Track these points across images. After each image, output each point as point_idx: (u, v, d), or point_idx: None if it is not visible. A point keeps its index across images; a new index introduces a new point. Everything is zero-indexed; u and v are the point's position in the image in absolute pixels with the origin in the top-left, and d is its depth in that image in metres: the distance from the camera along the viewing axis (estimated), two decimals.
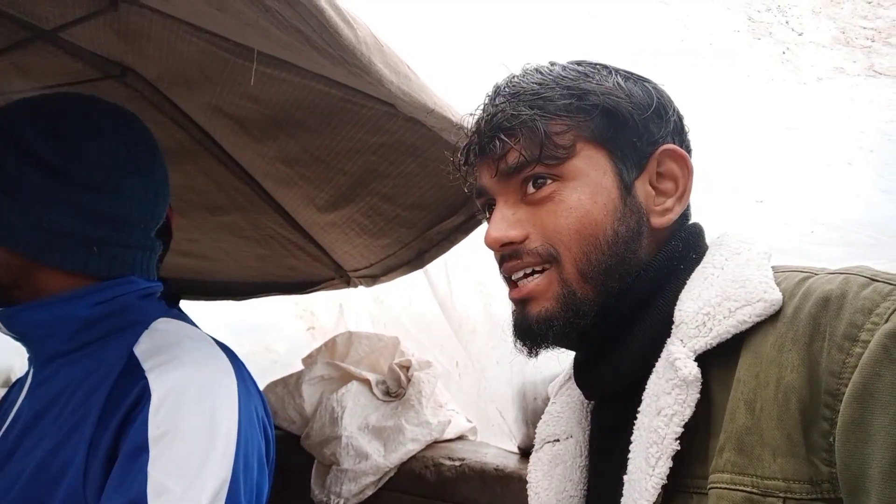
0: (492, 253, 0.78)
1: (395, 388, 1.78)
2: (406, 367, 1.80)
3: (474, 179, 0.78)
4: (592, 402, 0.78)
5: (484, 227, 1.65)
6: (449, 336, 1.80)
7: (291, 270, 2.40)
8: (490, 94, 0.75)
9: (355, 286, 2.37)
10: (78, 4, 1.37)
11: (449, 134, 1.03)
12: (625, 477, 0.63)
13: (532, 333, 0.69)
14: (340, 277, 2.35)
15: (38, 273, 0.81)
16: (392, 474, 1.59)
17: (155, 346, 0.79)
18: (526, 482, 1.37)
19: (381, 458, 1.57)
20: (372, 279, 2.18)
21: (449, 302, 1.66)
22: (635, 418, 0.64)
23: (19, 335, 0.81)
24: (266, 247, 2.25)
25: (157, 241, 0.91)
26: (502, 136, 0.69)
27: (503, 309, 1.58)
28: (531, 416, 1.49)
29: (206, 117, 1.75)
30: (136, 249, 0.87)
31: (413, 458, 1.60)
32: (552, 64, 0.73)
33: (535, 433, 1.52)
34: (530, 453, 1.52)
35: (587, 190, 0.68)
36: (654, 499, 0.58)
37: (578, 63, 0.72)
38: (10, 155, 0.78)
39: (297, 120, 1.59)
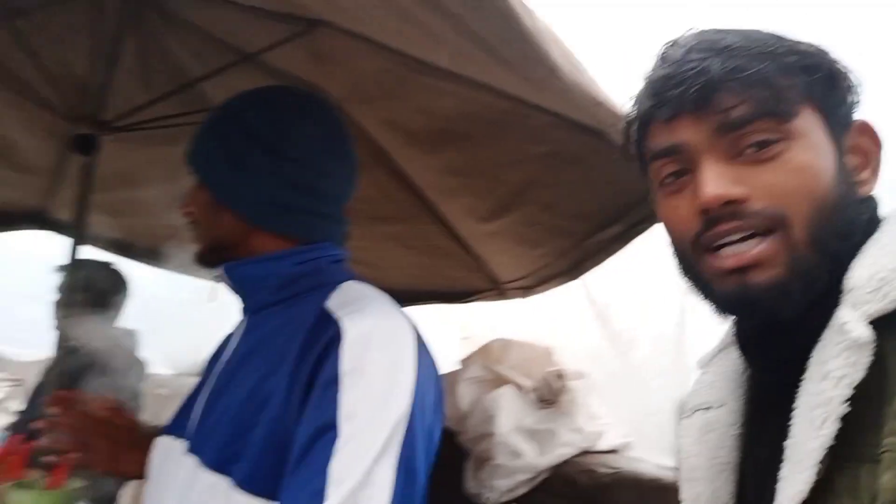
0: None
1: (548, 396, 1.80)
2: (560, 376, 1.82)
3: (653, 138, 0.71)
4: (750, 370, 0.76)
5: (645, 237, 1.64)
6: (603, 348, 1.79)
7: (451, 280, 2.51)
8: (674, 48, 0.69)
9: (509, 298, 2.43)
10: (278, 28, 1.58)
11: (612, 129, 1.05)
12: (785, 443, 0.61)
13: (759, 304, 0.64)
14: (496, 289, 2.42)
15: (254, 236, 0.96)
16: (546, 476, 1.61)
17: (344, 300, 0.89)
18: None
19: (535, 457, 1.60)
20: (525, 290, 2.23)
21: (606, 313, 1.66)
22: (798, 385, 0.62)
23: (236, 286, 0.96)
24: (428, 256, 2.38)
25: (346, 217, 1.03)
26: (732, 87, 0.64)
27: (665, 321, 1.55)
28: None
29: (382, 132, 1.91)
30: (331, 220, 1.00)
31: (567, 462, 1.61)
32: (727, 30, 0.69)
33: None
34: None
35: (813, 151, 0.64)
36: (818, 459, 0.56)
37: (757, 30, 0.69)
38: (239, 136, 0.95)
39: (464, 132, 1.69)
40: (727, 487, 0.72)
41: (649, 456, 1.64)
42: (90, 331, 1.97)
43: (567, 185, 1.65)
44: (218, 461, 0.84)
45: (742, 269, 0.64)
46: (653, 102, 0.69)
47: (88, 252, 2.50)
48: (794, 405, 0.61)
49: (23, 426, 1.85)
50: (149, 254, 2.64)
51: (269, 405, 0.82)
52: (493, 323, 2.61)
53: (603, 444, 1.71)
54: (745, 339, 0.73)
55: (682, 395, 1.52)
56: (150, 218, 2.43)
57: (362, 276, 1.00)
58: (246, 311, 1.00)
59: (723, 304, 0.68)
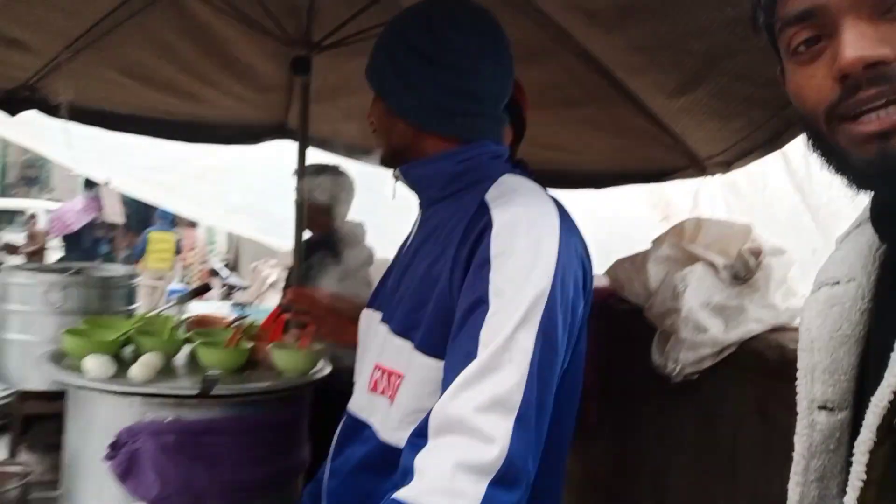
0: None
1: (744, 273, 1.77)
2: (757, 253, 1.76)
3: (785, 2, 0.65)
4: (885, 246, 0.72)
5: None
6: (807, 223, 1.70)
7: (647, 160, 2.47)
8: None
9: (711, 174, 2.33)
10: None
11: None
12: None
13: None
14: (695, 166, 2.33)
15: (422, 139, 1.09)
16: (732, 350, 1.62)
17: (500, 192, 1.00)
18: None
19: (721, 332, 1.61)
20: (725, 165, 2.12)
21: (807, 186, 1.57)
22: None
23: (411, 185, 1.13)
24: (622, 137, 2.36)
25: (505, 113, 1.11)
26: None
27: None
28: None
29: (562, 15, 1.91)
30: (489, 119, 1.09)
31: (755, 337, 1.60)
32: None
33: None
34: None
35: None
36: None
37: None
38: (403, 51, 1.07)
39: (643, 5, 1.63)
40: (848, 359, 0.71)
41: None
42: (327, 226, 2.35)
43: (759, 50, 1.50)
44: (403, 328, 1.02)
45: (885, 134, 0.60)
46: None
47: (319, 156, 2.92)
48: None
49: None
50: (368, 153, 2.98)
51: (439, 283, 0.97)
52: (693, 202, 2.54)
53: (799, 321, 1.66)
54: (881, 210, 0.70)
55: None
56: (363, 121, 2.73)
57: (520, 170, 1.10)
58: (421, 205, 1.15)
59: (862, 174, 0.63)
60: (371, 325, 1.14)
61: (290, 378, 1.51)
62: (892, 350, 0.63)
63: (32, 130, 3.06)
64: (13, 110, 2.28)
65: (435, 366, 0.94)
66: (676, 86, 1.84)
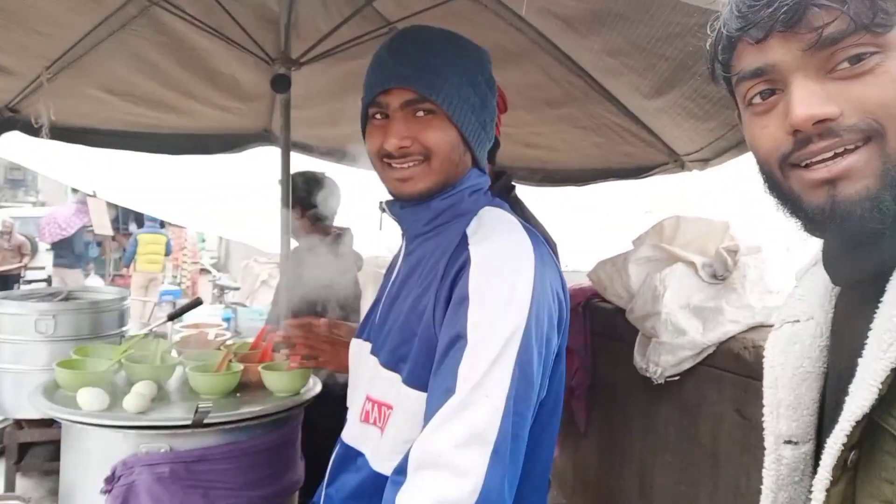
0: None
1: (722, 272, 1.80)
2: (734, 252, 1.80)
3: (740, 59, 0.70)
4: (838, 287, 0.75)
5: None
6: (783, 220, 1.72)
7: (627, 157, 2.49)
8: None
9: (689, 170, 2.36)
10: None
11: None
12: (859, 360, 0.64)
13: (848, 216, 0.63)
14: (675, 162, 2.36)
15: (467, 172, 1.08)
16: (710, 351, 1.66)
17: (479, 227, 1.03)
18: None
19: (699, 335, 1.65)
20: (703, 162, 2.15)
21: None
22: (877, 307, 0.63)
23: (396, 219, 1.13)
24: (602, 135, 2.38)
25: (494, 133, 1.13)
26: (825, 3, 0.62)
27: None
28: None
29: (540, 20, 1.92)
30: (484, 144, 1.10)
31: (733, 338, 1.64)
32: None
33: None
34: None
35: None
36: (881, 379, 0.58)
37: None
38: (484, 84, 1.06)
39: (616, 12, 1.65)
40: (810, 394, 0.75)
41: None
42: (315, 232, 2.36)
43: None
44: (391, 361, 1.03)
45: (832, 181, 0.63)
46: (741, 24, 0.67)
47: (304, 161, 2.93)
48: (871, 325, 0.62)
49: (273, 317, 2.33)
50: (352, 157, 3.00)
51: (424, 318, 0.99)
52: (677, 197, 2.57)
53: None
54: (831, 254, 0.73)
55: None
56: (349, 125, 2.74)
57: (499, 201, 1.11)
58: (404, 237, 1.15)
59: (812, 218, 0.67)
60: (361, 355, 1.16)
61: (281, 400, 1.53)
62: (844, 390, 0.67)
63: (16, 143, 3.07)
64: None
65: (422, 398, 0.95)
66: (652, 87, 1.86)
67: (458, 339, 0.90)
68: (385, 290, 1.17)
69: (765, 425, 0.81)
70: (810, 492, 0.78)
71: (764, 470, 0.84)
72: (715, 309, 1.68)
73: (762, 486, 0.84)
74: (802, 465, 0.80)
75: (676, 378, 1.72)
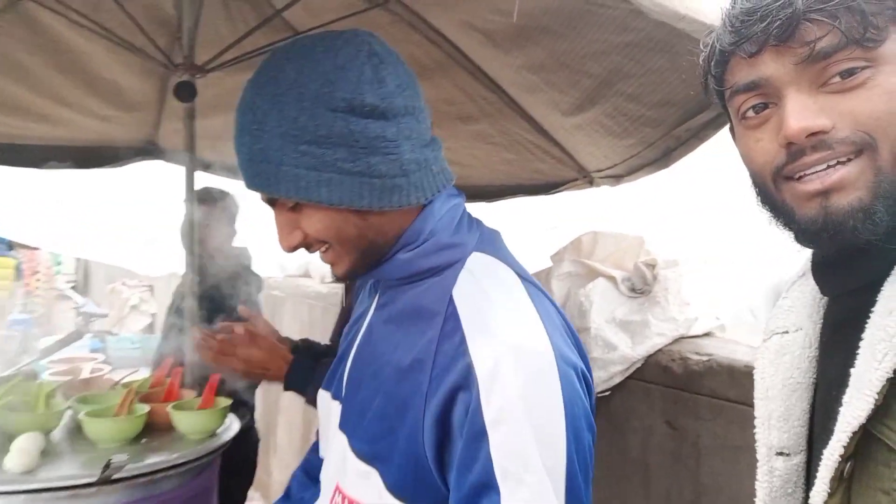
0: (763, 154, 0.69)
1: (641, 286, 1.84)
2: (652, 266, 1.84)
3: (733, 73, 0.71)
4: (826, 298, 0.77)
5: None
6: (698, 234, 1.79)
7: (537, 173, 2.51)
8: None
9: (598, 186, 2.42)
10: None
11: (701, 35, 1.01)
12: (852, 370, 0.63)
13: (841, 226, 0.64)
14: (584, 178, 2.41)
15: (375, 222, 0.88)
16: (639, 365, 1.69)
17: (467, 298, 0.81)
18: None
19: (629, 349, 1.67)
20: (616, 179, 2.21)
21: (696, 202, 1.65)
22: (868, 317, 0.63)
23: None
24: (513, 151, 2.39)
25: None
26: (818, 18, 0.63)
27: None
28: None
29: (458, 33, 1.88)
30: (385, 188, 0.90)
31: (660, 351, 1.67)
32: None
33: None
34: None
35: None
36: (877, 389, 0.59)
37: None
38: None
39: (542, 27, 1.64)
40: (800, 405, 0.76)
41: (745, 339, 1.68)
42: (214, 253, 2.17)
43: (653, 73, 1.59)
44: (368, 453, 0.82)
45: (825, 192, 0.65)
46: (734, 38, 0.68)
47: (204, 179, 2.70)
48: (863, 335, 0.63)
49: (167, 347, 2.11)
50: None
51: (408, 416, 0.79)
52: (583, 212, 2.63)
53: (697, 329, 1.76)
54: (821, 265, 0.74)
55: (773, 282, 1.52)
56: None
57: (490, 233, 0.95)
58: (378, 286, 0.96)
59: (805, 229, 0.68)
60: (330, 417, 0.96)
61: (196, 444, 1.36)
62: (836, 400, 0.66)
63: None
64: None
65: None
66: (572, 104, 1.88)
67: (486, 491, 0.72)
68: (353, 344, 0.97)
69: (756, 437, 0.80)
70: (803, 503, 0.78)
71: (756, 482, 0.83)
72: (641, 322, 1.71)
73: (755, 499, 0.83)
74: (795, 476, 0.80)
75: (607, 393, 1.73)
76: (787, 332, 0.80)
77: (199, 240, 1.88)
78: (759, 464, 0.82)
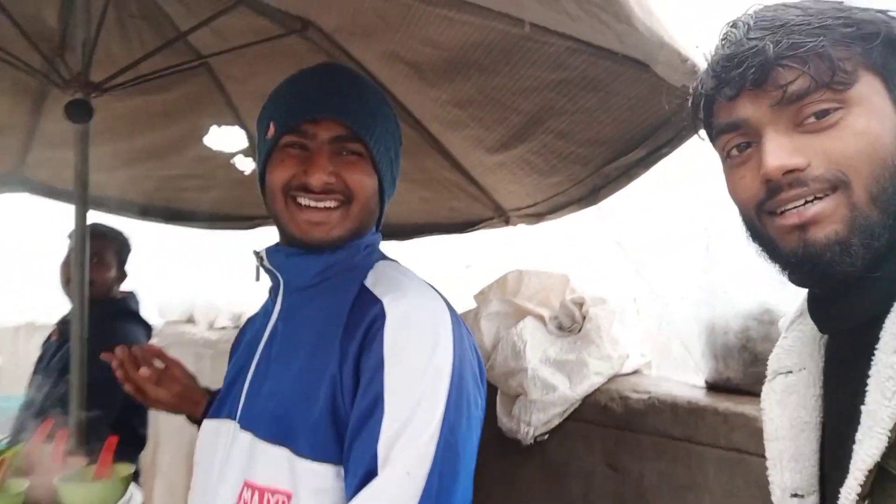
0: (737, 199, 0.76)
1: (569, 324, 1.82)
2: (580, 304, 1.83)
3: (717, 115, 0.76)
4: (826, 335, 0.78)
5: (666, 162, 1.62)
6: (622, 272, 1.80)
7: (453, 211, 2.47)
8: (734, 29, 0.74)
9: (514, 225, 2.41)
10: None
11: (671, 71, 1.01)
12: (862, 407, 0.64)
13: (819, 259, 0.68)
14: (500, 217, 2.39)
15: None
16: (577, 405, 1.65)
17: (380, 280, 0.93)
18: (721, 415, 1.38)
19: (568, 389, 1.63)
20: (537, 217, 2.20)
21: (623, 240, 1.66)
22: (873, 353, 0.64)
23: (276, 268, 0.95)
24: (430, 189, 2.33)
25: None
26: (788, 64, 0.68)
27: (691, 245, 1.56)
28: (720, 350, 1.48)
29: (381, 65, 1.81)
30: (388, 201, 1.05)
31: (598, 390, 1.64)
32: (787, 4, 0.73)
33: (723, 368, 1.51)
34: (718, 387, 1.53)
35: (873, 115, 0.68)
36: (889, 427, 0.60)
37: (819, 1, 0.72)
38: (398, 136, 1.09)
39: (473, 61, 1.61)
40: (810, 445, 0.76)
41: (676, 375, 1.69)
42: (100, 298, 1.91)
43: (585, 111, 1.60)
44: (276, 434, 0.86)
45: (802, 226, 0.69)
46: (715, 83, 0.74)
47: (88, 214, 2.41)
48: (869, 372, 0.64)
49: (37, 407, 1.82)
50: (145, 209, 2.55)
51: (325, 380, 0.85)
52: (497, 251, 2.61)
53: (627, 367, 1.75)
54: (813, 302, 0.76)
55: (707, 319, 1.54)
56: (143, 169, 2.32)
57: (389, 258, 1.04)
58: (278, 290, 1.00)
59: (786, 261, 0.72)
60: (221, 436, 0.95)
61: None
62: (846, 438, 0.66)
63: None
64: None
65: (328, 472, 0.83)
66: (498, 141, 1.86)
67: (375, 408, 0.81)
68: (250, 357, 0.99)
69: (770, 478, 0.80)
70: None
71: None
72: (578, 362, 1.68)
73: None
74: None
75: (545, 437, 1.67)
76: (790, 372, 0.81)
77: (83, 283, 1.64)
78: None
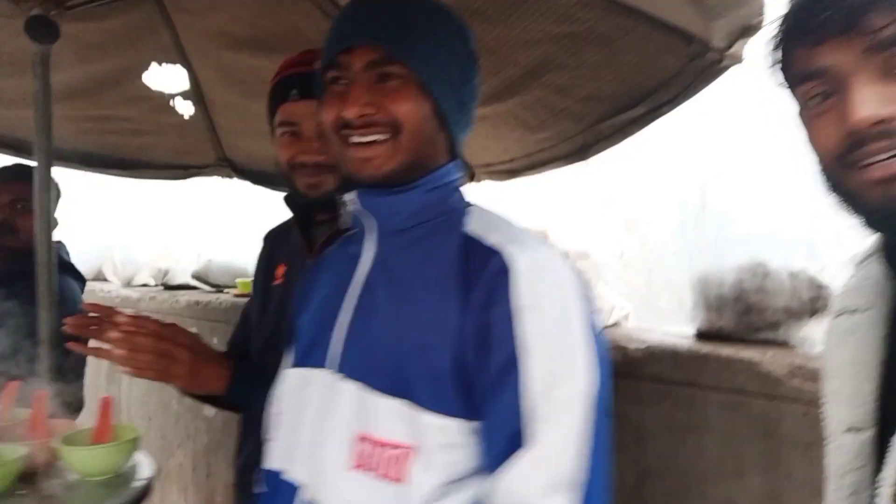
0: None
1: None
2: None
3: (797, 62, 0.72)
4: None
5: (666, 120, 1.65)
6: (607, 230, 1.84)
7: None
8: None
9: (479, 181, 2.39)
10: None
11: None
12: None
13: None
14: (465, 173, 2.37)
15: (443, 153, 0.91)
16: None
17: (486, 228, 0.86)
18: (724, 360, 1.45)
19: None
20: (509, 174, 2.20)
21: (618, 196, 1.69)
22: None
23: (370, 212, 0.88)
24: None
25: None
26: (879, 6, 0.64)
27: (685, 201, 1.61)
28: (714, 301, 1.56)
29: None
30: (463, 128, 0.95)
31: None
32: None
33: (716, 318, 1.59)
34: (709, 336, 1.60)
35: None
36: None
37: None
38: (466, 57, 0.93)
39: (475, 9, 1.56)
40: (868, 385, 0.77)
41: (660, 326, 1.76)
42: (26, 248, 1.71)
43: (588, 67, 1.60)
44: (392, 385, 0.81)
45: (889, 180, 0.66)
46: (798, 29, 0.69)
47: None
48: None
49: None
50: (64, 153, 2.30)
51: (443, 332, 0.80)
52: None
53: (610, 320, 1.81)
54: (891, 250, 0.76)
55: (701, 272, 1.61)
56: (64, 108, 2.09)
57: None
58: (366, 235, 0.93)
59: (871, 215, 0.70)
60: (313, 385, 0.89)
61: (104, 490, 1.05)
62: None
63: None
64: None
65: (453, 427, 0.78)
66: (488, 94, 1.82)
67: (512, 366, 0.76)
68: (340, 302, 0.92)
69: (826, 413, 0.81)
70: (874, 476, 0.80)
71: (827, 458, 0.84)
72: None
73: (827, 474, 0.84)
74: (866, 450, 0.82)
75: None
76: (855, 311, 0.82)
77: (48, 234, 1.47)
78: (829, 440, 0.83)
